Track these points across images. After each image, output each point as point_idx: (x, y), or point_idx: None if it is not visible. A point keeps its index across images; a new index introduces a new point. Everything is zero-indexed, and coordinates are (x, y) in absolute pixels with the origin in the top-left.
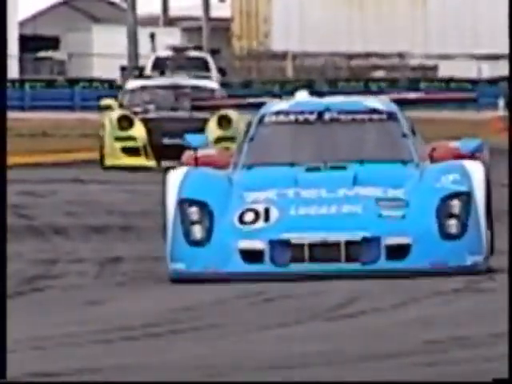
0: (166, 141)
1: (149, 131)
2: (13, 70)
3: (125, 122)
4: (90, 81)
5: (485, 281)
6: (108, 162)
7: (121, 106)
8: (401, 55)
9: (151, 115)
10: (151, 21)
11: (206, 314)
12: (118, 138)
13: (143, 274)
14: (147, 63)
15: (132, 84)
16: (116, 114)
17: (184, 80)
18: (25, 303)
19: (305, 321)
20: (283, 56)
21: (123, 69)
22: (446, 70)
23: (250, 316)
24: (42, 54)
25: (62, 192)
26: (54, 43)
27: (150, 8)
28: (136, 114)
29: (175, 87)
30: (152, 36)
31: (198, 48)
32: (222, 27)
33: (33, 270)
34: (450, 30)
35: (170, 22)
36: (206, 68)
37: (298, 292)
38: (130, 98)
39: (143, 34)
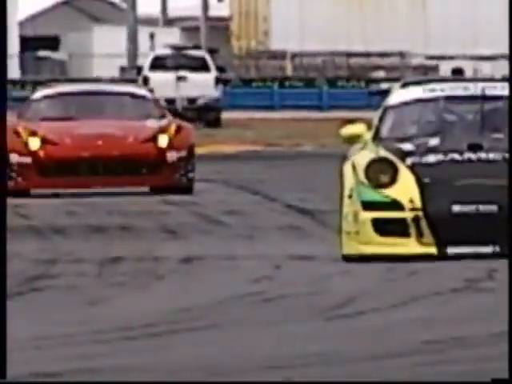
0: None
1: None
2: (14, 70)
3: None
4: (90, 81)
5: (485, 281)
6: (348, 248)
7: None
8: (401, 55)
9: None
10: (150, 21)
11: (206, 314)
12: (368, 203)
13: (143, 274)
14: (145, 62)
15: None
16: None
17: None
18: (25, 303)
19: (305, 321)
20: (282, 55)
21: (122, 69)
22: (446, 69)
23: (249, 316)
24: (42, 53)
25: (61, 192)
26: (54, 43)
27: (150, 8)
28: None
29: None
30: (151, 36)
31: (197, 47)
32: (220, 27)
33: (33, 269)
34: (451, 30)
35: (169, 21)
36: (205, 67)
37: (297, 292)
38: None
39: (143, 33)
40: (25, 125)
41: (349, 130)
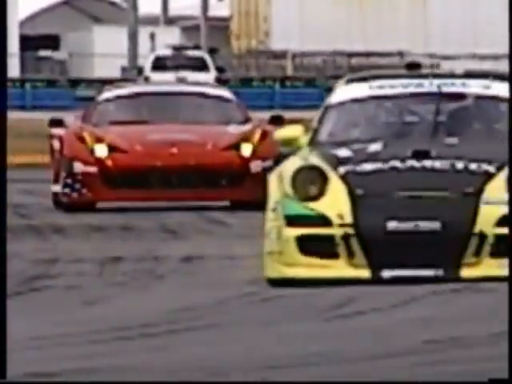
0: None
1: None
2: (14, 69)
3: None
4: (91, 81)
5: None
6: (271, 270)
7: None
8: (401, 54)
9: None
10: (151, 20)
11: (206, 314)
12: (292, 218)
13: (143, 274)
14: (146, 63)
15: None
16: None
17: None
18: (24, 303)
19: (304, 321)
20: (283, 55)
21: (124, 69)
22: (446, 69)
23: (249, 316)
24: (42, 53)
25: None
26: (54, 43)
27: (150, 8)
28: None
29: None
30: (152, 36)
31: (197, 47)
32: (220, 26)
33: (33, 269)
34: (451, 29)
35: (170, 21)
36: (205, 67)
37: (296, 292)
38: None
39: (143, 33)
40: (91, 130)
41: (283, 132)
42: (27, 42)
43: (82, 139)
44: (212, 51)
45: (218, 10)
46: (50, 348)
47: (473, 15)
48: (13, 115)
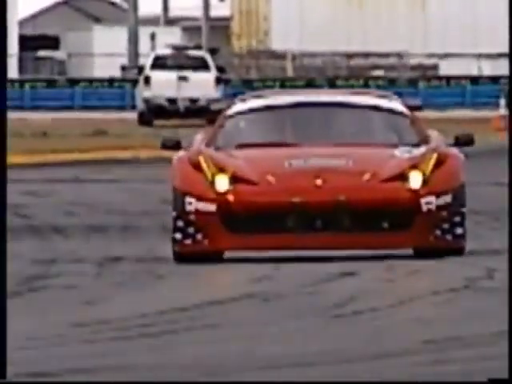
0: None
1: None
2: (13, 70)
3: None
4: (91, 81)
5: (485, 280)
6: None
7: None
8: (400, 54)
9: None
10: (152, 20)
11: (205, 314)
12: None
13: (143, 274)
14: (147, 62)
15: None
16: None
17: None
18: (24, 303)
19: (304, 320)
20: (283, 55)
21: (123, 68)
22: (446, 69)
23: (249, 316)
24: (42, 53)
25: (61, 192)
26: (53, 43)
27: (151, 8)
28: None
29: None
30: (152, 36)
31: (198, 47)
32: (221, 26)
33: (32, 269)
34: (450, 29)
35: (170, 21)
36: (205, 67)
37: (297, 292)
38: None
39: (144, 33)
40: (210, 155)
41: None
42: (26, 42)
43: (197, 167)
44: (212, 51)
45: (219, 10)
46: (50, 348)
47: (472, 15)
48: (12, 115)
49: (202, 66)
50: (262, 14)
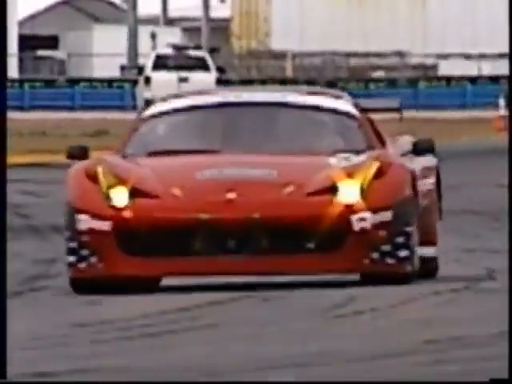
0: None
1: None
2: (12, 70)
3: None
4: (90, 81)
5: (485, 281)
6: None
7: None
8: (400, 54)
9: None
10: (151, 21)
11: (205, 314)
12: None
13: None
14: (147, 62)
15: None
16: None
17: None
18: (24, 303)
19: (304, 321)
20: (283, 55)
21: (123, 68)
22: (446, 69)
23: (248, 316)
24: (41, 53)
25: (61, 192)
26: (53, 42)
27: (151, 8)
28: None
29: None
30: (153, 35)
31: (198, 47)
32: (221, 27)
33: (33, 269)
34: (450, 29)
35: (170, 22)
36: (206, 67)
37: (296, 292)
38: None
39: (143, 33)
40: (110, 164)
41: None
42: (26, 42)
43: (94, 179)
44: (212, 51)
45: (219, 10)
46: (50, 348)
47: (472, 15)
48: (11, 115)
49: (202, 66)
50: (262, 15)
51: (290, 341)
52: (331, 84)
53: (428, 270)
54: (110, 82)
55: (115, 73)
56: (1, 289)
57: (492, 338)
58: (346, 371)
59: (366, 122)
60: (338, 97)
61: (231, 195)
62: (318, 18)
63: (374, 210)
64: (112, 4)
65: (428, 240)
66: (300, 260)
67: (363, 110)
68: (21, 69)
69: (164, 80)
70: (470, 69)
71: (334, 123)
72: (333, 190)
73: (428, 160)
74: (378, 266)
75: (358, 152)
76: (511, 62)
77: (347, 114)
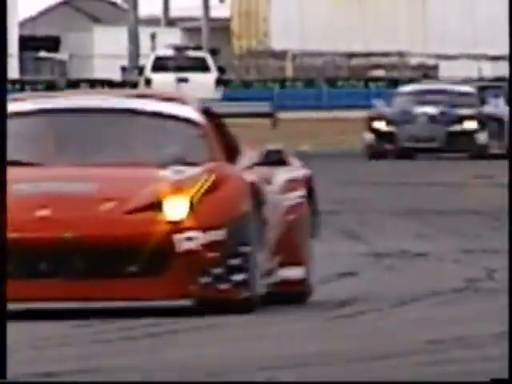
0: None
1: None
2: (13, 70)
3: None
4: (91, 81)
5: (485, 281)
6: None
7: None
8: (401, 54)
9: None
10: (152, 21)
11: (206, 314)
12: None
13: None
14: (146, 63)
15: None
16: None
17: None
18: (25, 303)
19: (304, 321)
20: (283, 55)
21: (123, 69)
22: (446, 69)
23: (249, 316)
24: (42, 54)
25: None
26: (54, 43)
27: (151, 9)
28: None
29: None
30: (153, 36)
31: (198, 48)
32: (221, 27)
33: None
34: (450, 29)
35: (171, 22)
36: (206, 67)
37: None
38: None
39: (144, 34)
40: None
41: None
42: (27, 43)
43: None
44: (213, 52)
45: (219, 10)
46: (50, 348)
47: (472, 15)
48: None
49: (202, 66)
50: (262, 15)
51: (291, 341)
52: (331, 83)
53: (295, 294)
54: (110, 83)
55: (116, 74)
56: (1, 289)
57: (492, 337)
58: (346, 371)
59: (211, 131)
60: (183, 102)
61: (44, 212)
62: (318, 18)
63: (205, 229)
64: (113, 4)
65: (294, 261)
66: (121, 285)
67: (230, 116)
68: (21, 70)
69: (164, 81)
70: (471, 69)
71: (174, 131)
72: (157, 206)
73: (296, 171)
74: (209, 291)
75: (196, 164)
76: (511, 62)
77: (189, 121)
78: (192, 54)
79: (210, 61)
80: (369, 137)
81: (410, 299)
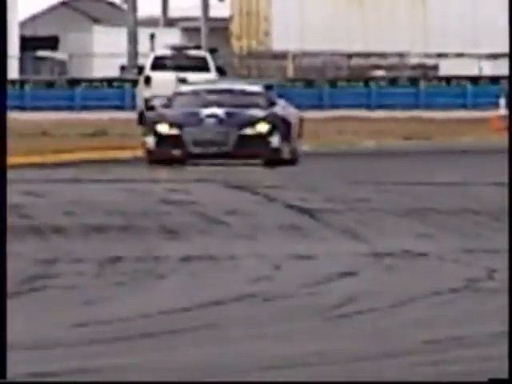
0: None
1: None
2: (13, 70)
3: None
4: (91, 81)
5: (484, 281)
6: None
7: None
8: (401, 54)
9: None
10: (151, 21)
11: (205, 314)
12: None
13: (143, 274)
14: (146, 62)
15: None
16: None
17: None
18: (25, 303)
19: (304, 321)
20: (283, 55)
21: (123, 68)
22: (446, 69)
23: (249, 316)
24: (42, 53)
25: (61, 192)
26: (53, 43)
27: (150, 9)
28: None
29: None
30: (152, 36)
31: (197, 48)
32: (221, 27)
33: (33, 269)
34: (450, 29)
35: (170, 22)
36: (205, 67)
37: (297, 292)
38: None
39: (143, 34)
40: None
41: None
42: (27, 43)
43: None
44: (212, 51)
45: (219, 10)
46: (50, 348)
47: (472, 15)
48: (12, 116)
49: (201, 66)
50: (263, 15)
51: (290, 341)
52: (332, 83)
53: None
54: (109, 82)
55: (115, 74)
56: (1, 289)
57: (492, 337)
58: (346, 371)
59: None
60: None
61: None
62: (318, 18)
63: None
64: (112, 4)
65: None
66: None
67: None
68: (21, 69)
69: (163, 80)
70: (471, 69)
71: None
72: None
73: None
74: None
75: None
76: (511, 61)
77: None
78: (192, 53)
79: (209, 60)
80: (150, 141)
81: (410, 299)
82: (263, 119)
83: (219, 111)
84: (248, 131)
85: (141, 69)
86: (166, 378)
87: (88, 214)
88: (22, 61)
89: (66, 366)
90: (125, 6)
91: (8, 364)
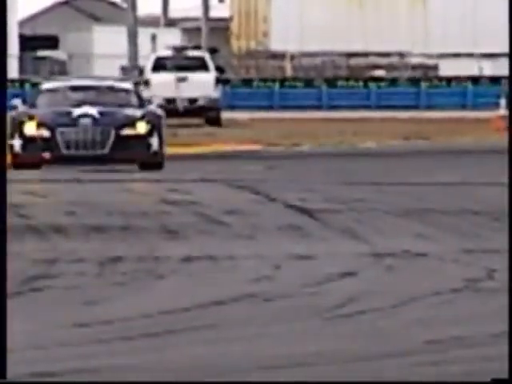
0: None
1: None
2: (12, 70)
3: None
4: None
5: (485, 281)
6: None
7: None
8: (401, 54)
9: None
10: (152, 22)
11: (205, 314)
12: None
13: (143, 274)
14: (147, 63)
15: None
16: None
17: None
18: (25, 303)
19: (304, 321)
20: (282, 55)
21: (123, 68)
22: (446, 69)
23: (249, 316)
24: (42, 53)
25: (61, 192)
26: (53, 43)
27: (151, 9)
28: None
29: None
30: (153, 37)
31: (197, 48)
32: (221, 27)
33: (33, 269)
34: (451, 29)
35: (170, 22)
36: (205, 67)
37: (297, 292)
38: None
39: (144, 34)
40: None
41: None
42: (26, 43)
43: None
44: (213, 51)
45: (219, 10)
46: (50, 348)
47: (473, 16)
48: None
49: (201, 66)
50: (262, 15)
51: (290, 341)
52: (331, 83)
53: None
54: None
55: (115, 74)
56: (1, 289)
57: (492, 337)
58: (346, 371)
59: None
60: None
61: None
62: (317, 18)
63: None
64: (112, 4)
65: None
66: None
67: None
68: (21, 69)
69: (163, 81)
70: (471, 69)
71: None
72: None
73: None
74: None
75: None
76: (511, 61)
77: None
78: (191, 53)
79: (209, 60)
80: (17, 143)
81: (410, 299)
82: (141, 118)
83: (92, 110)
84: (126, 132)
85: (141, 70)
86: (166, 378)
87: (88, 214)
88: (21, 60)
89: (66, 366)
90: (125, 6)
91: (8, 364)
